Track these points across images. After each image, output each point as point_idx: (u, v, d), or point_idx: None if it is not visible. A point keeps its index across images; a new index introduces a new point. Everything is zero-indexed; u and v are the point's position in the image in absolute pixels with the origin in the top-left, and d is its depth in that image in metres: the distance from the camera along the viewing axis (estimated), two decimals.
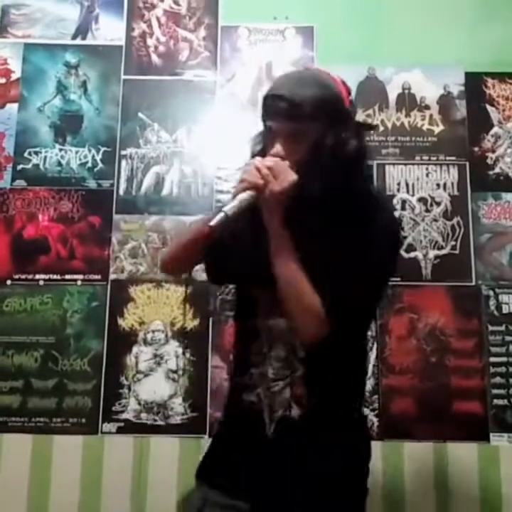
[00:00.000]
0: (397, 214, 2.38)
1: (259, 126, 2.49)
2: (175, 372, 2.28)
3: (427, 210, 2.41)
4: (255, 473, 1.42)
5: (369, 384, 2.26)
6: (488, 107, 2.50)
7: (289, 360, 1.42)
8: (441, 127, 2.48)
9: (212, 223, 1.29)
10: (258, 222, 1.38)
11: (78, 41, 2.55)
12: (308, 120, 1.34)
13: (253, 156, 1.45)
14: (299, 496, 1.39)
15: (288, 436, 1.41)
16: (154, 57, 2.55)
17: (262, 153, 1.43)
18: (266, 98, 1.41)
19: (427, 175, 2.44)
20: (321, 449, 1.39)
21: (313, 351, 1.40)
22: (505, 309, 2.34)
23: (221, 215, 1.30)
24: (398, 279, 2.34)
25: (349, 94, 1.44)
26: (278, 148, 1.37)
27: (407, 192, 2.42)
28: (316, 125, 1.35)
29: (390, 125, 2.48)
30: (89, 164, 2.45)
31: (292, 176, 1.33)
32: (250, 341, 1.47)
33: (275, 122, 1.39)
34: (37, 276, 2.35)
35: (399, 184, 2.43)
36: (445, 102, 2.50)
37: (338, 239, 1.33)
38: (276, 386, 1.42)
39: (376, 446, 2.19)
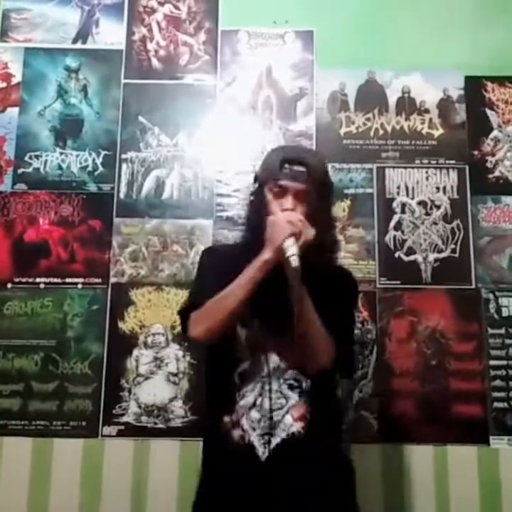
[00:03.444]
0: (397, 217, 2.41)
1: (259, 129, 2.51)
2: (175, 375, 2.28)
3: (427, 214, 2.42)
4: (256, 498, 1.57)
5: (369, 387, 2.27)
6: (488, 111, 2.51)
7: (283, 392, 1.64)
8: (440, 131, 2.49)
9: (295, 263, 1.51)
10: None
11: (79, 45, 2.55)
12: (315, 186, 1.64)
13: (253, 207, 1.73)
14: (303, 504, 1.56)
15: (285, 456, 1.59)
16: (154, 62, 2.55)
17: (260, 207, 1.68)
18: (284, 160, 1.65)
19: (427, 178, 2.45)
20: (320, 461, 1.60)
21: (314, 378, 1.64)
22: (505, 312, 2.34)
23: (294, 258, 1.50)
24: (398, 282, 2.35)
25: None
26: (289, 201, 1.63)
27: (407, 195, 2.43)
28: (316, 191, 1.65)
29: (389, 129, 2.49)
30: (90, 168, 2.45)
31: (312, 230, 1.58)
32: (237, 385, 1.65)
33: (290, 181, 1.63)
34: (38, 280, 2.35)
35: (399, 187, 2.43)
36: (445, 105, 2.51)
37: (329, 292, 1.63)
38: (277, 415, 1.61)
39: (376, 449, 2.22)
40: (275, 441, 1.59)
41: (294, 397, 1.63)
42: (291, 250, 1.51)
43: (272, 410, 1.61)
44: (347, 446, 1.85)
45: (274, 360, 1.65)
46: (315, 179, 1.64)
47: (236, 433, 1.62)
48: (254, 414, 1.62)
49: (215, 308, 1.63)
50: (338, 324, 1.63)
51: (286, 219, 1.57)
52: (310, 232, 1.57)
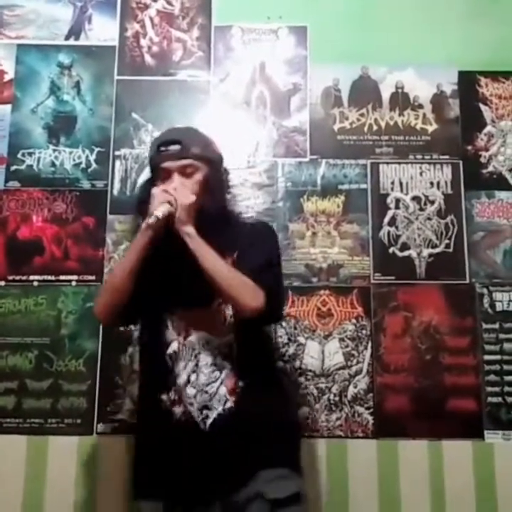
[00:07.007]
0: (391, 213, 2.41)
1: (253, 125, 2.50)
2: None
3: (421, 209, 2.42)
4: (201, 466, 1.62)
5: (363, 382, 2.27)
6: (482, 106, 2.50)
7: (217, 363, 1.67)
8: (434, 126, 2.49)
9: (151, 220, 1.62)
10: (165, 255, 1.69)
11: (71, 42, 2.54)
12: (195, 158, 1.75)
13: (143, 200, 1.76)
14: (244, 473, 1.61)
15: (223, 430, 1.63)
16: (147, 58, 2.54)
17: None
18: (159, 145, 1.78)
19: (421, 174, 2.45)
20: (254, 432, 1.63)
21: (242, 338, 1.69)
22: (499, 307, 2.34)
23: (154, 216, 1.62)
24: (392, 277, 2.35)
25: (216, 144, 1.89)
26: (175, 179, 1.72)
27: (401, 191, 2.43)
28: (200, 163, 1.76)
29: (383, 124, 2.49)
30: (83, 165, 2.44)
31: (192, 195, 1.68)
32: (169, 363, 1.69)
33: (170, 161, 1.74)
34: (31, 277, 2.35)
35: (393, 183, 2.43)
36: (438, 100, 2.51)
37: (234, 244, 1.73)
38: (212, 388, 1.65)
39: (371, 445, 2.23)
40: (212, 415, 1.63)
41: (227, 366, 1.67)
42: (157, 212, 1.62)
43: (206, 384, 1.65)
44: (285, 394, 1.88)
45: (200, 335, 1.68)
46: (195, 153, 1.75)
47: (178, 410, 1.65)
48: (190, 390, 1.65)
49: (107, 283, 1.78)
50: (248, 268, 1.66)
51: (163, 189, 1.68)
52: (186, 198, 1.66)
